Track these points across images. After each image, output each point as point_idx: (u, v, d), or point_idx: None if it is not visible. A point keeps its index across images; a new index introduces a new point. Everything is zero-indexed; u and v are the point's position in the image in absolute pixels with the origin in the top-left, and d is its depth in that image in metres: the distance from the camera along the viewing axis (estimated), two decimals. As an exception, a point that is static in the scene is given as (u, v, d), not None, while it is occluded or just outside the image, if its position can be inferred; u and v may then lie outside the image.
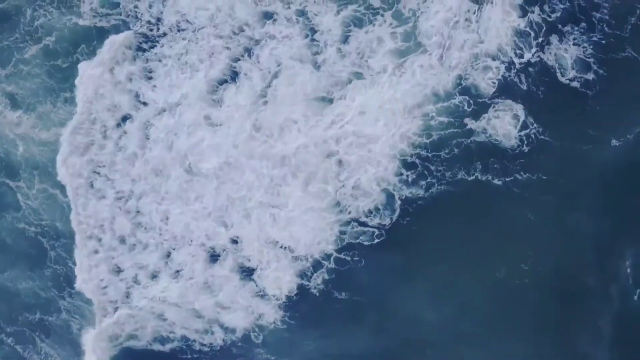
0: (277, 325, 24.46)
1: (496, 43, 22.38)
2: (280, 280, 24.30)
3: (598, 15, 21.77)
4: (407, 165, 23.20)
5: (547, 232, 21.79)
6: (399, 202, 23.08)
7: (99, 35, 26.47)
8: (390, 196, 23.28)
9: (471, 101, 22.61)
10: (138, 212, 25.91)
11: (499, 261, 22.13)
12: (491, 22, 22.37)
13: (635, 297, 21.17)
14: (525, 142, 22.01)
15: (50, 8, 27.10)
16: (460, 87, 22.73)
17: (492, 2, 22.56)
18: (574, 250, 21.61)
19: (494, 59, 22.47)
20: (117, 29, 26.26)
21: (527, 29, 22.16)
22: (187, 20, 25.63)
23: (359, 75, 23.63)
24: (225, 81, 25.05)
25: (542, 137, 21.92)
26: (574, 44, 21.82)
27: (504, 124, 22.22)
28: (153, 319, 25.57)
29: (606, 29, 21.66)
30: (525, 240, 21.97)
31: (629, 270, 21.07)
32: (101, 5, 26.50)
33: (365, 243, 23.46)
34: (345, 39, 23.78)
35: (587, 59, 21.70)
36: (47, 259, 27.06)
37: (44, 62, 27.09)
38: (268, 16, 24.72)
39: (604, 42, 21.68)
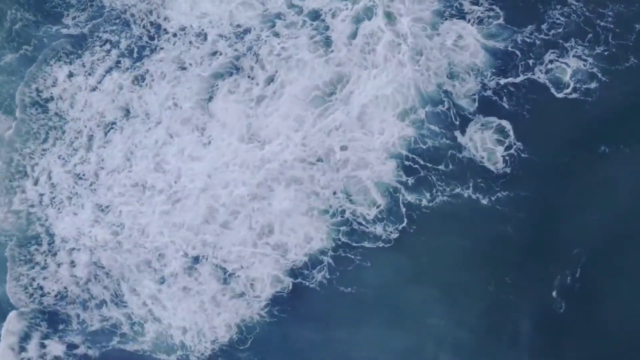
0: (265, 324, 23.85)
1: (469, 60, 23.07)
2: (265, 280, 23.77)
3: (602, 23, 22.20)
4: (407, 169, 23.15)
5: (525, 247, 22.20)
6: (403, 209, 23.00)
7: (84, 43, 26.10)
8: (394, 201, 23.13)
9: (455, 111, 22.98)
10: (119, 222, 25.18)
11: (489, 274, 22.39)
12: (452, 38, 23.23)
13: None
14: (509, 161, 22.56)
15: (33, 13, 26.50)
16: (443, 94, 23.16)
17: (466, 20, 23.30)
18: (548, 263, 22.02)
19: (469, 74, 23.07)
20: (111, 39, 25.81)
21: (511, 49, 22.88)
22: (187, 26, 25.26)
23: (359, 70, 23.76)
24: (222, 78, 24.66)
25: (524, 155, 22.45)
26: (574, 56, 22.30)
27: (487, 141, 22.69)
28: (150, 320, 24.82)
29: (610, 39, 22.10)
30: (508, 254, 22.32)
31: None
32: (89, 18, 25.98)
33: (367, 245, 23.26)
34: (353, 34, 24.02)
35: (590, 70, 22.14)
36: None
37: (20, 69, 26.36)
38: (277, 17, 24.67)
39: (606, 52, 22.09)
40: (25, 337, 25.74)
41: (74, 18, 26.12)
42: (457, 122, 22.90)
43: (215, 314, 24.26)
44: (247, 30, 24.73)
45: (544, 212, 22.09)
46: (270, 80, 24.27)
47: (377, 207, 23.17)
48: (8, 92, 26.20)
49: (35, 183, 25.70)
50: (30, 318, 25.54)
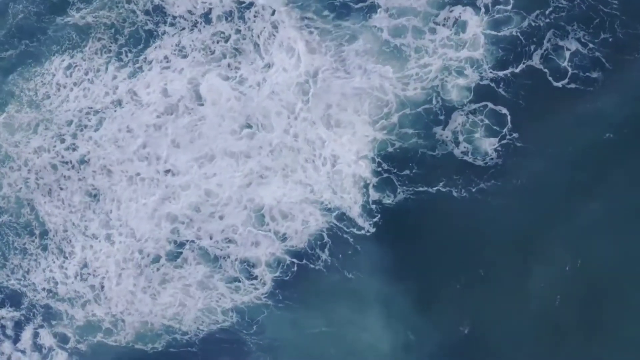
0: (271, 308, 23.38)
1: (467, 54, 21.96)
2: (262, 262, 23.41)
3: (607, 10, 21.04)
4: (385, 160, 22.48)
5: (507, 240, 21.25)
6: (373, 206, 22.42)
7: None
8: (375, 196, 22.49)
9: (442, 107, 22.06)
10: (105, 209, 25.17)
11: (460, 270, 21.63)
12: (448, 31, 22.14)
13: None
14: (501, 151, 21.56)
15: (37, 5, 26.50)
16: (429, 95, 22.20)
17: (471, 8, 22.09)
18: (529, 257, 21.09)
19: (464, 68, 21.92)
20: (113, 28, 25.60)
21: (515, 35, 21.75)
22: (191, 9, 24.84)
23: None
24: (217, 62, 24.21)
25: (519, 144, 21.37)
26: (575, 39, 21.20)
27: (479, 134, 21.78)
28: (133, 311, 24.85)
29: (616, 27, 20.93)
30: (483, 247, 21.44)
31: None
32: (93, 10, 25.84)
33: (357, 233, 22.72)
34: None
35: (592, 56, 20.98)
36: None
37: (19, 64, 26.56)
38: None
39: (611, 39, 20.91)
40: (19, 327, 26.17)
41: (78, 9, 25.93)
42: (442, 117, 21.90)
43: (204, 298, 23.96)
44: (249, 5, 24.07)
45: (537, 202, 21.03)
46: (265, 65, 23.60)
47: (356, 202, 22.50)
48: (5, 89, 26.43)
49: (19, 168, 25.91)
50: (26, 309, 25.85)
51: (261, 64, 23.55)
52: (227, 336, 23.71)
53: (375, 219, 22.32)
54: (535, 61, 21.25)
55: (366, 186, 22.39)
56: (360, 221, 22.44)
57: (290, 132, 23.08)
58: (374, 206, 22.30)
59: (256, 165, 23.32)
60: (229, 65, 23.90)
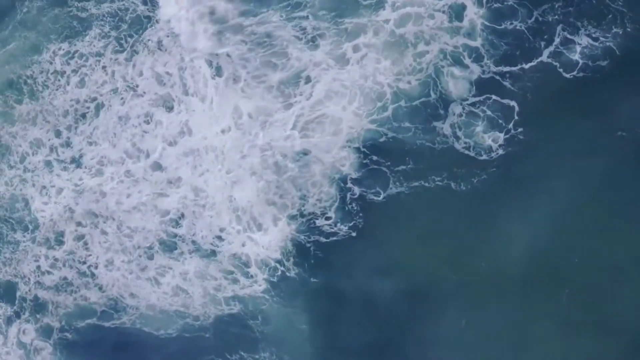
0: (272, 301, 23.30)
1: (463, 41, 21.48)
2: (252, 260, 23.37)
3: (613, 5, 20.53)
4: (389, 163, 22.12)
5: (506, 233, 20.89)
6: (353, 204, 22.29)
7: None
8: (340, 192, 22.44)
9: (440, 98, 21.63)
10: (97, 203, 25.23)
11: (458, 261, 21.28)
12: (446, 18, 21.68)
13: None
14: (505, 145, 21.09)
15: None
16: (427, 86, 21.75)
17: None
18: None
19: (463, 58, 21.44)
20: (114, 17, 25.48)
21: (519, 30, 21.23)
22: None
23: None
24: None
25: (521, 137, 20.90)
26: (586, 35, 20.61)
27: (480, 127, 21.30)
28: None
29: (626, 21, 20.39)
30: (482, 244, 21.11)
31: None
32: (100, 3, 25.75)
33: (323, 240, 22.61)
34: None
35: (603, 46, 20.45)
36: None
37: (20, 57, 26.63)
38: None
39: (620, 32, 20.37)
40: (8, 322, 26.21)
41: (80, 0, 25.94)
42: (442, 110, 21.47)
43: (204, 287, 24.00)
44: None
45: (541, 198, 20.56)
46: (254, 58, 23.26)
47: (334, 201, 22.36)
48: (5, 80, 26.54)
49: (14, 164, 26.05)
50: (17, 303, 25.92)
51: (250, 52, 23.36)
52: (236, 324, 23.60)
53: (356, 219, 22.25)
54: (544, 56, 20.78)
55: (344, 180, 22.26)
56: (338, 222, 22.44)
57: (260, 135, 23.05)
58: (353, 204, 22.22)
59: (233, 165, 23.26)
60: (219, 40, 23.52)
